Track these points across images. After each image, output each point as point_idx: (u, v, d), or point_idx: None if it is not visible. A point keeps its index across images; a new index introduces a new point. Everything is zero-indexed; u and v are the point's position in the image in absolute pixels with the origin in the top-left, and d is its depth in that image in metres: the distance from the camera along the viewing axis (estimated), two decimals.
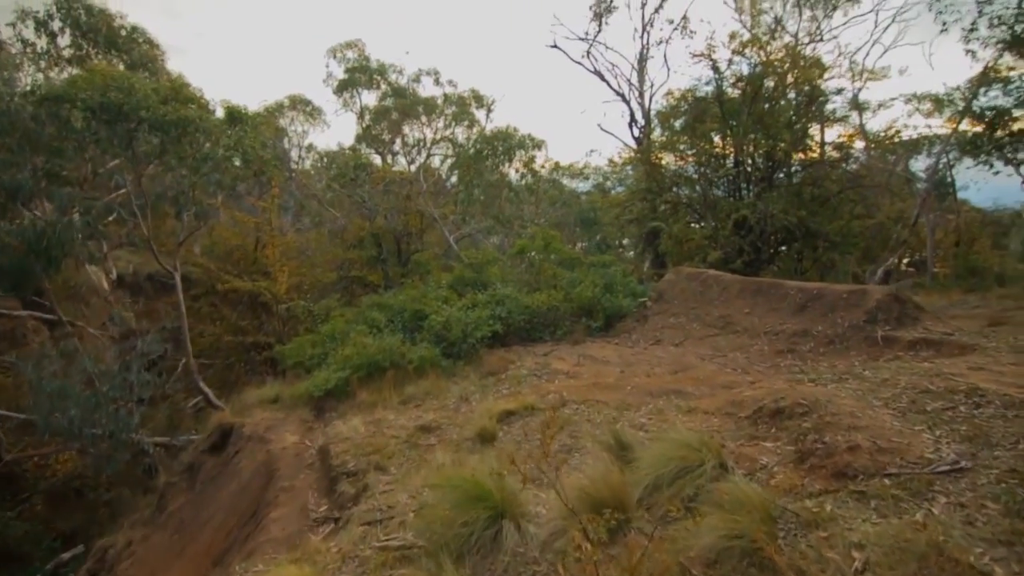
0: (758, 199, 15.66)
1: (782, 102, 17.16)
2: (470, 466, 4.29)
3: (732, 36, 18.29)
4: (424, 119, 28.91)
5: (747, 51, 17.14)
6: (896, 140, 21.87)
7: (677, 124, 18.75)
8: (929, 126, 23.15)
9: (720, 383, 6.33)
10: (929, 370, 4.91)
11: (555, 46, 18.61)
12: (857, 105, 23.37)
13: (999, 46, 11.48)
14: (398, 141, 29.16)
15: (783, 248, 17.45)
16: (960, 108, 21.17)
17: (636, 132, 19.05)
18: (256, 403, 9.18)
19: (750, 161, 17.04)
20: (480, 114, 28.68)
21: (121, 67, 17.33)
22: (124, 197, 14.02)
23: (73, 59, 17.92)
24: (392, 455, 5.56)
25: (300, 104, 29.42)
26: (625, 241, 27.80)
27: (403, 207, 15.71)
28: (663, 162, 18.42)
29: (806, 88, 16.88)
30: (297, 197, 22.43)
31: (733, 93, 16.90)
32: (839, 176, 16.97)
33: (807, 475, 3.39)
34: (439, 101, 28.20)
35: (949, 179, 26.10)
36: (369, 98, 28.70)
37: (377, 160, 27.01)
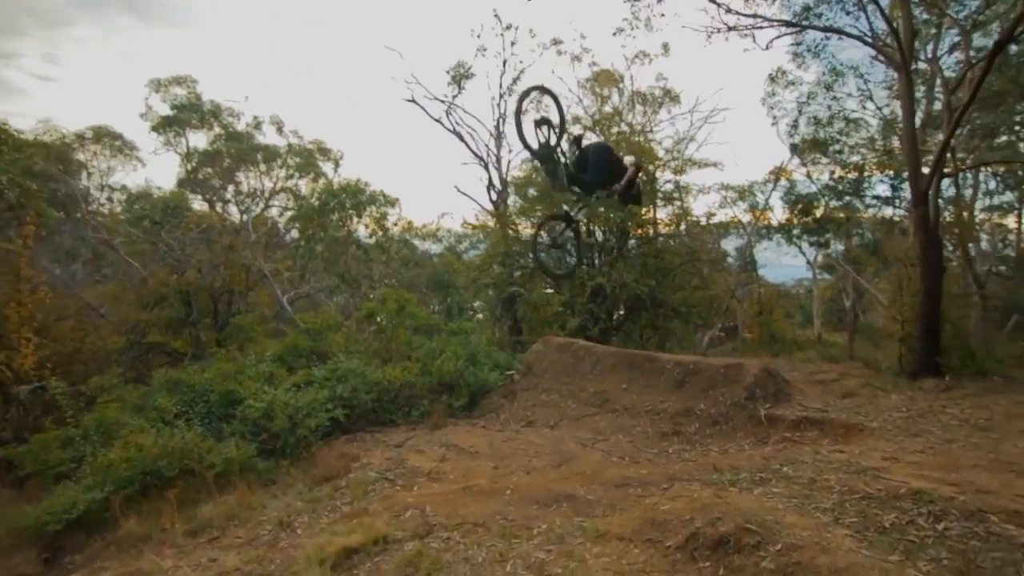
0: (612, 268, 15.94)
1: None
2: None
3: (576, 119, 19.22)
4: (263, 167, 26.18)
5: (597, 128, 18.06)
6: (712, 223, 24.64)
7: (531, 192, 18.85)
8: (735, 213, 26.55)
9: (613, 480, 5.30)
10: (848, 464, 4.35)
11: (412, 100, 17.83)
12: (679, 189, 26.20)
13: (807, 143, 13.10)
14: (231, 188, 25.83)
15: (631, 316, 17.93)
16: (758, 199, 24.78)
17: (494, 196, 18.71)
18: None
19: (601, 232, 17.56)
20: (327, 167, 26.77)
21: None
22: None
23: None
24: None
25: (106, 137, 24.82)
26: (477, 304, 27.15)
27: (224, 260, 13.09)
28: (519, 228, 18.28)
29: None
30: (92, 243, 18.11)
31: None
32: (678, 250, 18.24)
33: None
34: (282, 151, 25.82)
35: (751, 258, 30.11)
36: (198, 139, 25.25)
37: (204, 207, 23.43)
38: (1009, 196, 18.76)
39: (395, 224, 21.05)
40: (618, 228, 16.85)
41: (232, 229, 15.04)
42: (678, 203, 22.17)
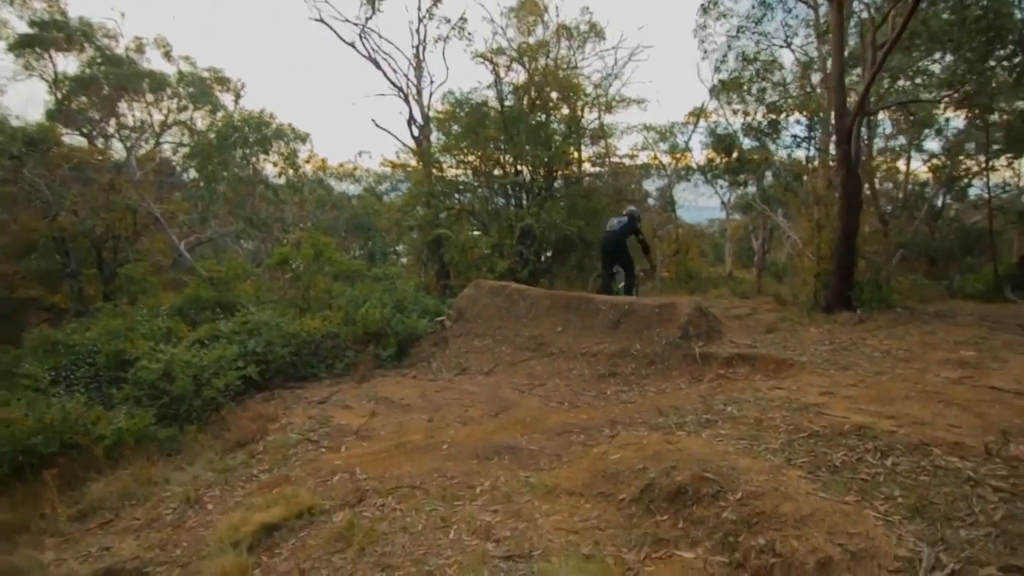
0: (541, 209, 15.59)
1: (552, 119, 17.63)
2: None
3: (499, 50, 18.16)
4: (150, 97, 23.03)
5: (524, 59, 17.15)
6: (633, 163, 24.90)
7: (455, 128, 17.82)
8: (656, 154, 26.88)
9: (554, 427, 5.11)
10: (790, 401, 4.35)
11: (320, 20, 15.97)
12: (603, 129, 26.06)
13: (729, 83, 13.07)
14: (113, 122, 22.57)
15: (559, 257, 17.85)
16: (678, 140, 25.24)
17: (415, 132, 17.54)
18: None
19: (528, 171, 17.02)
20: (226, 99, 24.04)
21: None
22: None
23: None
24: None
25: None
26: (400, 248, 26.17)
27: (105, 201, 11.37)
28: (444, 166, 17.36)
29: (568, 107, 17.71)
30: None
31: (511, 101, 16.72)
32: (605, 190, 18.16)
33: None
34: (172, 79, 22.74)
35: (671, 199, 31.00)
36: (68, 64, 21.59)
37: (83, 143, 20.33)
38: (902, 140, 20.12)
39: (307, 162, 19.44)
40: (545, 168, 16.39)
41: (112, 165, 13.09)
42: (603, 142, 21.98)
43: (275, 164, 17.75)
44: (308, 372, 7.69)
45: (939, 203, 20.15)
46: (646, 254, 9.48)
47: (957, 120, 16.79)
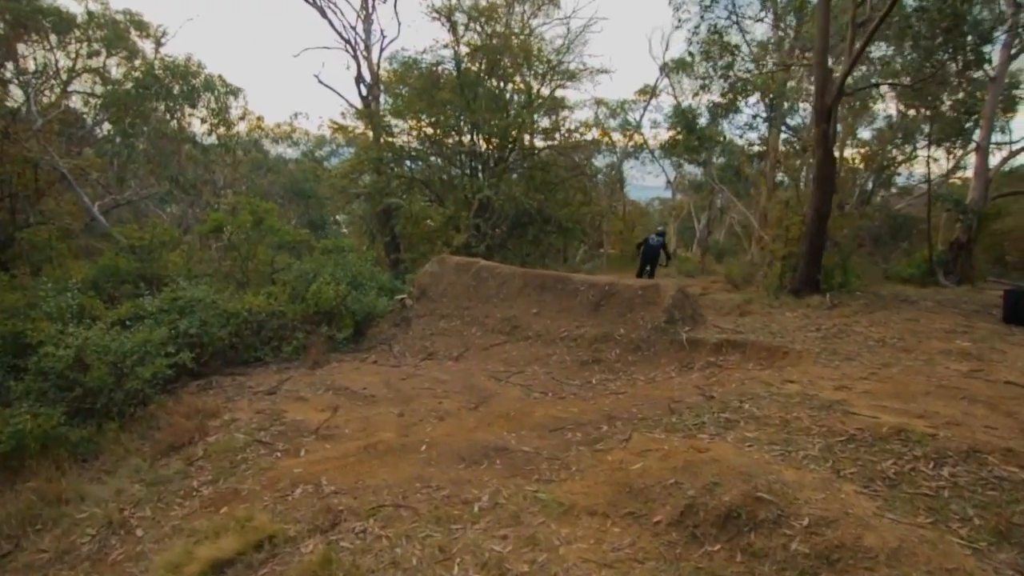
0: (499, 181, 14.87)
1: (508, 88, 16.83)
2: None
3: (454, 7, 17.04)
4: (54, 38, 20.27)
5: (482, 19, 16.14)
6: (583, 138, 24.57)
7: (405, 91, 16.62)
8: (606, 130, 26.61)
9: (543, 422, 4.61)
10: (808, 397, 4.02)
11: None
12: (556, 102, 25.45)
13: (686, 63, 12.76)
14: (11, 65, 19.67)
15: (515, 231, 17.26)
16: (629, 118, 25.07)
17: (363, 91, 16.24)
18: None
19: (485, 140, 16.18)
20: (146, 45, 21.54)
21: None
22: None
23: None
24: None
25: None
26: (341, 217, 24.73)
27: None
28: (395, 130, 16.21)
29: (522, 76, 16.96)
30: None
31: (469, 63, 15.73)
32: (564, 163, 17.63)
33: None
34: (80, 20, 20.03)
35: (620, 176, 31.08)
36: None
37: None
38: (839, 127, 20.76)
39: (241, 119, 17.65)
40: (501, 138, 15.60)
41: (7, 111, 11.20)
42: (557, 114, 21.39)
43: (204, 120, 15.98)
44: (251, 356, 6.80)
45: (869, 189, 21.06)
46: (668, 258, 12.05)
47: (892, 110, 17.40)
